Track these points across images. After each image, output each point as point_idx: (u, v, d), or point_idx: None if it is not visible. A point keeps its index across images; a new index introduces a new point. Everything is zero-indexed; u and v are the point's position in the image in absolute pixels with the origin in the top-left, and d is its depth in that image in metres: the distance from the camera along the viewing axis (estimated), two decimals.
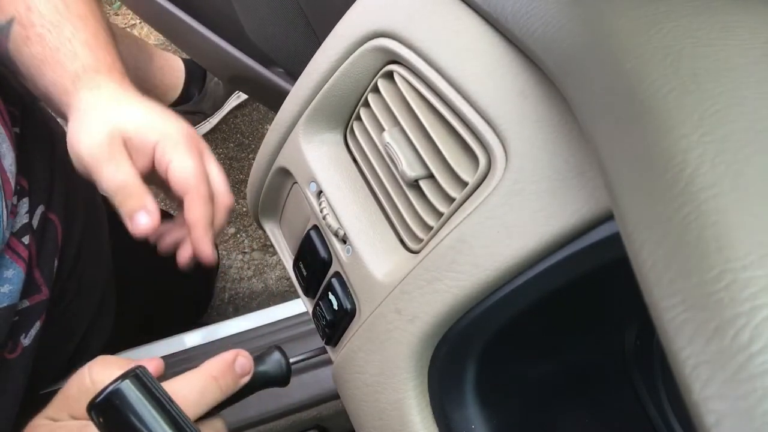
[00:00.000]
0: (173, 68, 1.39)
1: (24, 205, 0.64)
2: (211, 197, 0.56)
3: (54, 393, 0.46)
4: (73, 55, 0.57)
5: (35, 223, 0.64)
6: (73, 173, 0.58)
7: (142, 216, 0.53)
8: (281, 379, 0.48)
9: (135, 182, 0.53)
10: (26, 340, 0.62)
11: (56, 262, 0.67)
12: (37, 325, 0.63)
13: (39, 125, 0.70)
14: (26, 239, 0.62)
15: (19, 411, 0.63)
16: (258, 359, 0.48)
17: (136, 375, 0.40)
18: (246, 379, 0.46)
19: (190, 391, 0.43)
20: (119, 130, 0.54)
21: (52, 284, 0.66)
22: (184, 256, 0.57)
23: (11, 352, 0.61)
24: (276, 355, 0.48)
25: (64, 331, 0.73)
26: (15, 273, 0.59)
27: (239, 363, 0.45)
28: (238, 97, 1.55)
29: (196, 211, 0.54)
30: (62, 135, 0.61)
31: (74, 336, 0.75)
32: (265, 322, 0.76)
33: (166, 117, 0.56)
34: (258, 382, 0.47)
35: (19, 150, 0.64)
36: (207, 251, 0.56)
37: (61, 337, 0.72)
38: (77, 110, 0.56)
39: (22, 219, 0.63)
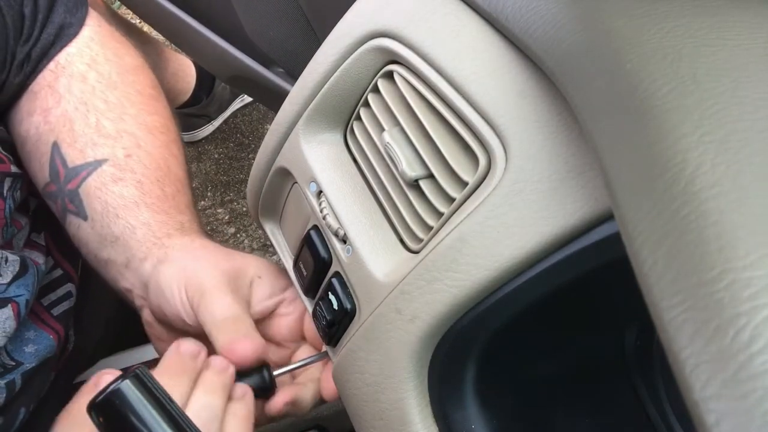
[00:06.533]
0: (186, 74, 1.40)
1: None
2: None
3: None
4: (179, 210, 0.55)
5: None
6: None
7: (243, 342, 0.48)
8: (264, 391, 0.48)
9: (247, 319, 0.49)
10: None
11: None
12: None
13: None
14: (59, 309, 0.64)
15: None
16: (241, 375, 0.47)
17: (136, 375, 0.40)
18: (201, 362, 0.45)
19: None
20: (246, 271, 0.52)
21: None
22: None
23: None
24: (257, 376, 0.48)
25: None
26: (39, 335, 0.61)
27: (186, 352, 0.45)
28: (242, 101, 1.56)
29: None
30: None
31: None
32: None
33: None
34: None
35: (47, 226, 0.64)
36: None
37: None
38: (184, 248, 0.53)
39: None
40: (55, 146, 0.57)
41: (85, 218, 0.56)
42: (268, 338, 0.52)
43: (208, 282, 0.50)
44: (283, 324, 0.53)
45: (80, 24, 0.60)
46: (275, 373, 0.48)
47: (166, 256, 0.53)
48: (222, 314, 0.48)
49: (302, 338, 0.53)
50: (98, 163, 0.56)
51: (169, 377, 0.43)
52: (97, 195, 0.56)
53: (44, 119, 0.58)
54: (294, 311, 0.53)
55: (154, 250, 0.53)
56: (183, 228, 0.55)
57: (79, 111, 0.57)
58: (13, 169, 0.58)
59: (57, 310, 0.65)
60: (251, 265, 0.53)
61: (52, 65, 0.58)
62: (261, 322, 0.52)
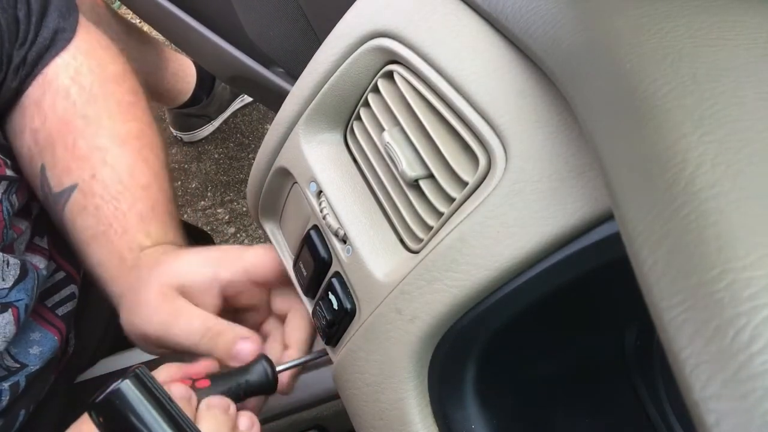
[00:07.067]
0: (186, 74, 1.40)
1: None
2: None
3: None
4: (123, 231, 0.55)
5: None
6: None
7: (243, 344, 0.48)
8: (266, 387, 0.48)
9: (213, 321, 0.49)
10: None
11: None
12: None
13: None
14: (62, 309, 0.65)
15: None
16: (242, 369, 0.48)
17: (136, 375, 0.40)
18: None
19: None
20: (168, 285, 0.51)
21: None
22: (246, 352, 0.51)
23: None
24: (260, 365, 0.48)
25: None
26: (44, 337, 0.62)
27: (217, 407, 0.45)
28: (242, 101, 1.56)
29: (302, 332, 0.52)
30: None
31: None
32: None
33: (215, 250, 0.54)
34: (242, 392, 0.47)
35: (50, 228, 0.64)
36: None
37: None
38: (124, 298, 0.53)
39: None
40: (43, 170, 0.58)
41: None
42: (245, 308, 0.53)
43: (155, 325, 0.50)
44: (246, 297, 0.53)
45: (73, 29, 0.60)
46: (278, 369, 0.48)
47: (120, 304, 0.54)
48: (193, 335, 0.49)
49: (279, 285, 0.53)
50: (70, 190, 0.57)
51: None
52: (72, 227, 0.58)
53: (34, 141, 0.59)
54: (243, 285, 0.52)
55: (112, 296, 0.56)
56: (126, 257, 0.55)
57: (60, 132, 0.58)
58: (9, 172, 0.58)
59: (61, 311, 0.65)
60: (171, 278, 0.51)
61: (40, 79, 0.59)
62: (228, 303, 0.53)
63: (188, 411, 0.42)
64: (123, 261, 0.55)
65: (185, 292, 0.51)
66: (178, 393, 0.43)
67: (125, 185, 0.57)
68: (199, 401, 0.45)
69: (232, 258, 0.52)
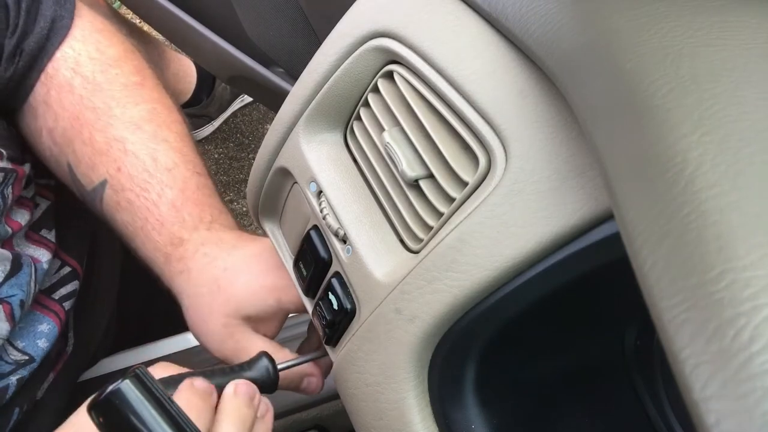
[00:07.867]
0: (187, 74, 1.40)
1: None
2: None
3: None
4: (160, 225, 0.55)
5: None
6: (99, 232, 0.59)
7: (308, 381, 0.53)
8: (268, 385, 0.48)
9: (278, 356, 0.51)
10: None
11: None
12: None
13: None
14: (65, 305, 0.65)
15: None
16: (244, 365, 0.48)
17: (136, 375, 0.40)
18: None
19: None
20: (232, 316, 0.52)
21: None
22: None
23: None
24: (263, 362, 0.48)
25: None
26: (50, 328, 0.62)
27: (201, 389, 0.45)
28: (242, 101, 1.56)
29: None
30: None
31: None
32: None
33: (270, 269, 0.54)
34: None
35: (57, 223, 0.64)
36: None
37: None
38: (182, 296, 0.55)
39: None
40: (70, 169, 0.58)
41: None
42: None
43: (221, 349, 0.53)
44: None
45: (71, 16, 0.59)
46: (279, 367, 0.49)
47: (182, 306, 0.55)
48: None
49: None
50: (102, 187, 0.57)
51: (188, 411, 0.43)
52: (113, 223, 0.58)
53: (52, 141, 0.58)
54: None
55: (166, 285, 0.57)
56: (169, 254, 0.55)
57: (74, 128, 0.57)
58: (3, 164, 0.57)
59: (68, 305, 0.65)
60: (235, 310, 0.53)
61: (42, 76, 0.58)
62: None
63: (207, 405, 0.43)
64: (167, 258, 0.55)
65: (250, 320, 0.53)
66: (201, 387, 0.43)
67: (150, 173, 0.57)
68: (218, 388, 0.45)
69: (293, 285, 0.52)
